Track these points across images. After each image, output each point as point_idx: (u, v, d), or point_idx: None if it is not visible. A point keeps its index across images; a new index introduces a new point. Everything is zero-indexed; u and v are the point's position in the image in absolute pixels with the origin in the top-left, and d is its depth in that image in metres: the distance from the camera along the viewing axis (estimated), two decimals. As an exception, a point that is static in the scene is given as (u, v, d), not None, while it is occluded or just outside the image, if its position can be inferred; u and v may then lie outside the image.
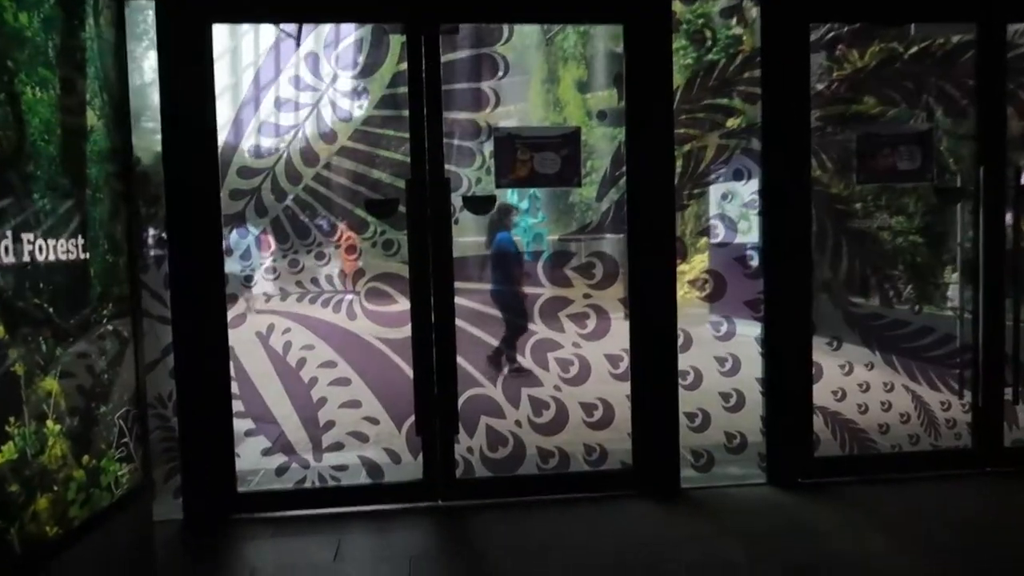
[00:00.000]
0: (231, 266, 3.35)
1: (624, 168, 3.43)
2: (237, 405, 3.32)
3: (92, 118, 2.57)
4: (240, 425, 3.34)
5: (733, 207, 3.65)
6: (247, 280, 3.36)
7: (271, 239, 3.35)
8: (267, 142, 3.25)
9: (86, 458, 2.42)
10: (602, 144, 3.76)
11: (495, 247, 3.98)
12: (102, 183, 2.62)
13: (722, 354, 3.53)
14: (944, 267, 4.67)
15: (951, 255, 4.31)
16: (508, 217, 4.17)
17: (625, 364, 3.45)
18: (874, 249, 3.79)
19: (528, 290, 3.58)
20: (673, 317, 3.43)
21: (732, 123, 3.60)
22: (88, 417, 2.46)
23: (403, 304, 3.35)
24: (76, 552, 2.33)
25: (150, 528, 2.90)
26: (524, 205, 7.93)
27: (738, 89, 3.51)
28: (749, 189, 3.86)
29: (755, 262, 3.53)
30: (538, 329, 3.50)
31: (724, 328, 3.54)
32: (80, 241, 2.45)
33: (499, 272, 3.82)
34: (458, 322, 3.35)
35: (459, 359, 3.35)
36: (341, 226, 3.41)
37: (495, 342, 3.46)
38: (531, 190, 8.12)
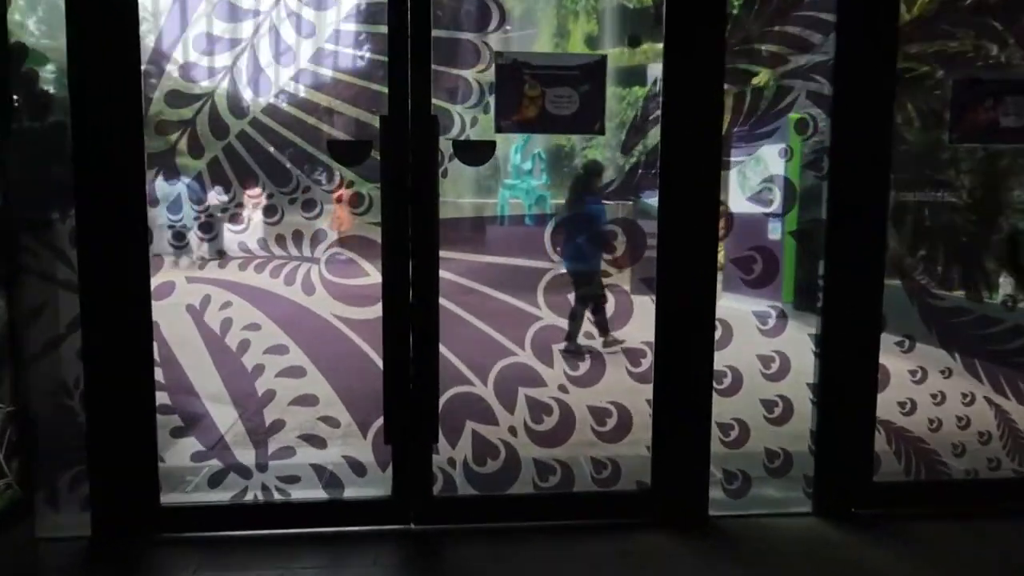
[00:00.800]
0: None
1: (657, 115, 2.73)
2: (162, 397, 2.64)
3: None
4: (165, 422, 2.67)
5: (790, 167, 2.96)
6: (177, 239, 2.67)
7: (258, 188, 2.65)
8: (206, 61, 2.52)
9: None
10: (610, 103, 3.03)
11: (586, 214, 3.23)
12: (-47, 99, 1.91)
13: (768, 352, 2.86)
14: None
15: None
16: (598, 178, 3.43)
17: (648, 361, 2.78)
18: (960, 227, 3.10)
19: (533, 264, 2.89)
20: (711, 305, 2.75)
21: (758, 80, 2.92)
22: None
23: (374, 276, 2.66)
24: None
25: (30, 557, 2.24)
26: (527, 165, 7.24)
27: (806, 15, 2.79)
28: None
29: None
30: (542, 314, 2.81)
31: (772, 321, 2.86)
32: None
33: (584, 246, 3.09)
34: (443, 302, 2.67)
35: (442, 348, 2.68)
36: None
37: (488, 329, 2.77)
38: (536, 148, 7.44)
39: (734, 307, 2.92)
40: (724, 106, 2.76)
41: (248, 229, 2.71)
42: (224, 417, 2.76)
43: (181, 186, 2.64)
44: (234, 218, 2.60)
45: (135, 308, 2.57)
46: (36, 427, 2.64)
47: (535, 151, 7.23)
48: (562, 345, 2.89)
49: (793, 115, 2.94)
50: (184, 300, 2.65)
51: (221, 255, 2.77)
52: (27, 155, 2.32)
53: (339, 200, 2.81)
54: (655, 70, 2.81)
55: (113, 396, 2.59)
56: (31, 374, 2.55)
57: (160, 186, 2.62)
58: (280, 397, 2.72)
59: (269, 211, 2.63)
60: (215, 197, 2.64)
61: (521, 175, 7.15)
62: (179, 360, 2.67)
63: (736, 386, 2.82)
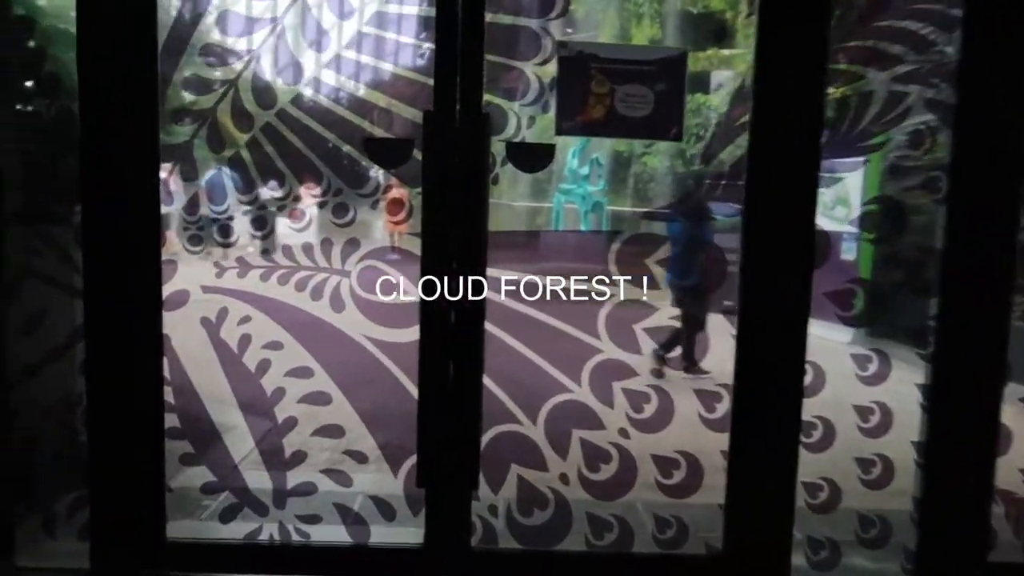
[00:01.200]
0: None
1: (743, 121, 2.34)
2: (171, 419, 2.36)
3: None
4: (174, 448, 2.39)
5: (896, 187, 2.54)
6: (193, 241, 2.39)
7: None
8: (229, 43, 2.23)
9: None
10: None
11: (702, 229, 2.89)
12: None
13: (866, 403, 2.44)
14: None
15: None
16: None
17: (724, 407, 2.39)
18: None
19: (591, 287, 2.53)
20: (802, 343, 2.35)
21: (837, 91, 2.51)
22: None
23: (411, 294, 2.34)
24: None
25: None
26: (585, 170, 6.86)
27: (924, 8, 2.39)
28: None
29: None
30: (603, 346, 2.45)
31: (873, 366, 2.44)
32: None
33: (694, 260, 2.75)
34: (488, 326, 2.33)
35: (486, 380, 2.33)
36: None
37: (538, 358, 2.42)
38: (595, 153, 7.04)
39: (814, 333, 2.51)
40: (824, 112, 2.37)
41: (309, 227, 2.46)
42: (239, 445, 2.47)
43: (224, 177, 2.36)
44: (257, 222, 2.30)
45: (145, 318, 2.30)
46: (33, 445, 2.40)
47: (593, 155, 6.87)
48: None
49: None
50: (198, 312, 2.36)
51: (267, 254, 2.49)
52: (31, 144, 2.07)
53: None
54: (718, 76, 2.43)
55: (117, 416, 2.32)
56: (29, 387, 2.31)
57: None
58: (302, 426, 2.41)
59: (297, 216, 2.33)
60: (268, 192, 2.37)
61: (578, 180, 6.78)
62: (191, 378, 2.38)
63: (827, 440, 2.41)
